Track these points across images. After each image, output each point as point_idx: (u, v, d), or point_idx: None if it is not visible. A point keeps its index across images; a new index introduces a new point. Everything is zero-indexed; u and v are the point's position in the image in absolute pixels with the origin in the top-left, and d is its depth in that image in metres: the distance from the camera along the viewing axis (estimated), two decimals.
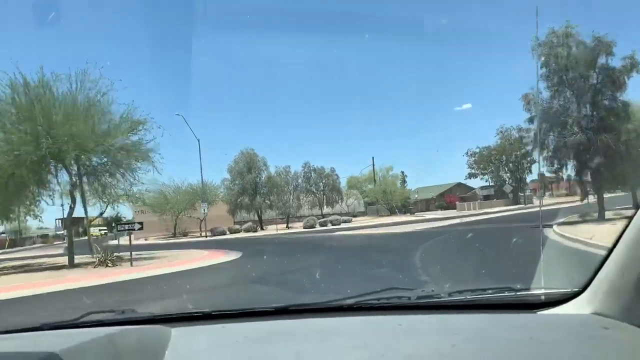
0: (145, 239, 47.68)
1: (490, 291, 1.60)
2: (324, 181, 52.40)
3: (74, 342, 1.10)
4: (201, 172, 42.70)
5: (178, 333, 1.40)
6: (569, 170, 21.15)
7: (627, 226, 1.26)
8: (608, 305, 1.30)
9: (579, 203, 24.16)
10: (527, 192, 65.48)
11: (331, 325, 1.48)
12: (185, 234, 49.40)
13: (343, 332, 1.38)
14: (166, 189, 47.60)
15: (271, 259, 16.53)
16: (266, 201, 48.69)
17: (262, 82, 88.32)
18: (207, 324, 1.61)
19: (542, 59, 20.49)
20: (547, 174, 23.70)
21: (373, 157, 64.01)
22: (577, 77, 19.97)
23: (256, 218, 49.35)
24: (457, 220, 33.82)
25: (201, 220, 42.29)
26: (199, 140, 41.81)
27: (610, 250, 1.32)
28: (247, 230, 45.32)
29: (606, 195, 21.79)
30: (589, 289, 1.42)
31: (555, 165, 21.53)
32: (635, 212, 1.24)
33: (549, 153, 21.65)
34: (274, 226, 45.13)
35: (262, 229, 48.16)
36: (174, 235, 49.40)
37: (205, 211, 41.43)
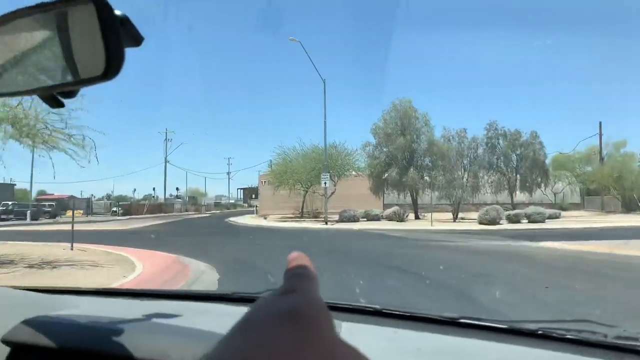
0: (265, 218, 36.72)
1: None
2: (518, 152, 34.23)
3: None
4: (324, 124, 28.77)
5: (349, 328, 1.37)
6: None
7: None
8: None
9: None
10: None
11: (511, 352, 1.31)
12: (316, 215, 37.04)
13: None
14: (295, 155, 35.68)
15: None
16: (425, 178, 33.17)
17: None
18: (377, 324, 1.50)
19: None
20: None
21: (600, 123, 42.41)
22: None
23: (410, 201, 34.29)
24: None
25: (326, 199, 29.11)
26: (324, 81, 28.40)
27: None
28: (389, 218, 30.65)
29: None
30: None
31: None
32: None
33: None
34: (437, 215, 29.75)
35: (416, 217, 32.90)
36: (301, 216, 37.54)
37: (328, 185, 28.05)
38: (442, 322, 1.50)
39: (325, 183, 27.99)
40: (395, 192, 34.09)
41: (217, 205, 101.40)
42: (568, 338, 1.35)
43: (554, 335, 1.37)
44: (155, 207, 61.22)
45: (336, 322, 1.24)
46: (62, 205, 56.45)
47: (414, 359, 1.19)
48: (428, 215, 32.48)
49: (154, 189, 71.97)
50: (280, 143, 46.21)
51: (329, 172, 28.84)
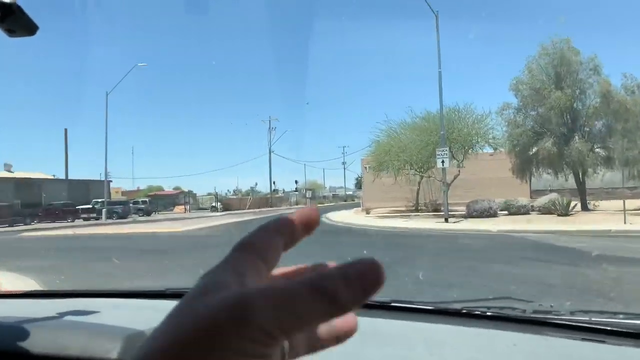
0: (367, 212, 28.93)
1: (621, 316, 1.40)
2: None
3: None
4: (439, 76, 19.83)
5: None
6: None
7: None
8: None
9: None
10: None
11: (436, 329, 1.39)
12: (436, 208, 28.24)
13: (451, 342, 1.29)
14: (403, 128, 27.22)
15: None
16: (596, 150, 22.48)
17: None
18: None
19: None
20: None
21: None
22: None
23: (574, 185, 23.78)
24: None
25: (445, 185, 20.32)
26: (436, 15, 19.56)
27: None
28: (545, 211, 20.79)
29: None
30: None
31: None
32: None
33: None
34: (610, 204, 19.27)
35: (584, 208, 22.40)
36: (415, 210, 29.00)
37: (447, 165, 19.33)
38: (373, 307, 1.51)
39: (442, 162, 19.27)
40: (550, 172, 23.83)
41: (335, 197, 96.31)
42: (489, 315, 1.41)
43: (477, 313, 1.42)
44: (262, 201, 57.11)
45: None
46: (171, 202, 55.10)
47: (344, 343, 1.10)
48: (600, 204, 21.93)
49: (274, 182, 69.97)
50: (386, 117, 35.88)
51: (448, 146, 20.01)
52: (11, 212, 29.93)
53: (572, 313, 1.41)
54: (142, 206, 40.25)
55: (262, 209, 49.35)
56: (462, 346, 1.23)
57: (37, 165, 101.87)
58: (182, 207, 52.85)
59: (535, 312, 1.42)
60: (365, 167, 34.31)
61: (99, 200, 35.60)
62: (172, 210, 51.79)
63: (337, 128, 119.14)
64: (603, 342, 1.22)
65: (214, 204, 47.03)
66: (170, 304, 1.27)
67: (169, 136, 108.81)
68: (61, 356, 1.00)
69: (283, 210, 48.93)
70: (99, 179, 41.11)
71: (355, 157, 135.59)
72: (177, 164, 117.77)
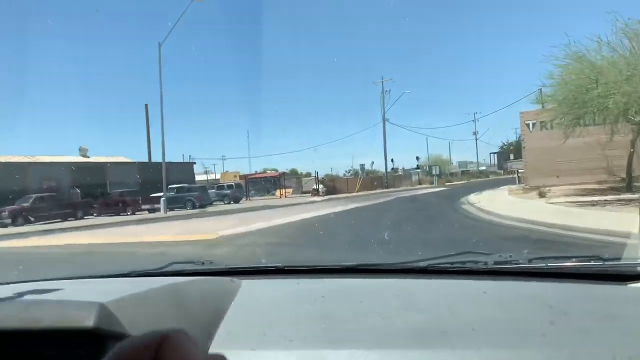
0: (542, 195, 17.82)
1: (574, 259, 1.48)
2: None
3: (142, 289, 1.20)
4: None
5: (249, 284, 1.42)
6: None
7: None
8: None
9: None
10: None
11: (405, 284, 1.42)
12: None
13: (421, 294, 1.31)
14: (609, 50, 15.65)
15: None
16: None
17: None
18: (279, 278, 1.59)
19: None
20: None
21: None
22: None
23: None
24: None
25: None
26: None
27: None
28: None
29: None
30: None
31: None
32: None
33: None
34: None
35: None
36: (628, 187, 17.17)
37: None
38: (342, 271, 1.57)
39: None
40: None
41: (465, 173, 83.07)
42: (454, 269, 1.46)
43: (441, 269, 1.47)
44: (377, 180, 47.74)
45: (235, 280, 1.35)
46: (272, 185, 48.32)
47: (319, 305, 1.21)
48: None
49: (392, 160, 60.64)
50: (567, 37, 20.69)
51: None
52: (63, 204, 24.41)
53: (530, 260, 1.44)
54: (227, 192, 33.29)
55: (376, 191, 39.89)
56: (433, 296, 1.26)
57: (129, 151, 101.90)
58: (285, 190, 45.76)
59: (496, 263, 1.45)
60: (528, 125, 22.61)
61: (175, 186, 29.02)
62: (273, 194, 44.88)
63: (466, 91, 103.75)
64: (560, 283, 1.30)
65: (315, 187, 38.67)
66: (133, 281, 1.45)
67: (290, 116, 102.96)
68: (32, 330, 0.95)
69: (400, 191, 38.93)
70: (182, 160, 34.97)
71: (488, 124, 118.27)
72: (294, 144, 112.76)
